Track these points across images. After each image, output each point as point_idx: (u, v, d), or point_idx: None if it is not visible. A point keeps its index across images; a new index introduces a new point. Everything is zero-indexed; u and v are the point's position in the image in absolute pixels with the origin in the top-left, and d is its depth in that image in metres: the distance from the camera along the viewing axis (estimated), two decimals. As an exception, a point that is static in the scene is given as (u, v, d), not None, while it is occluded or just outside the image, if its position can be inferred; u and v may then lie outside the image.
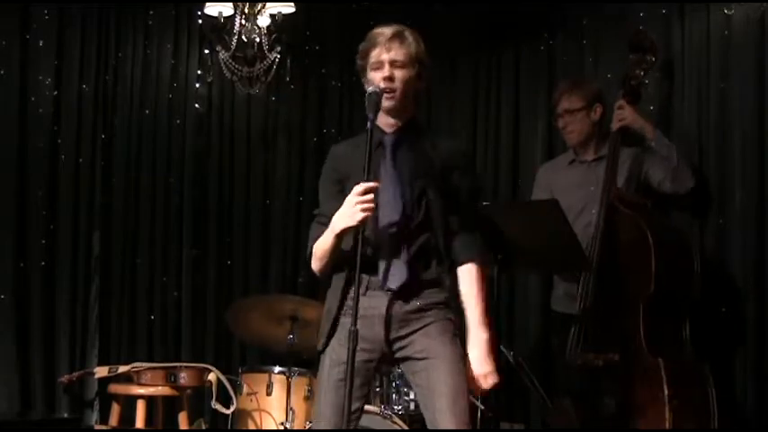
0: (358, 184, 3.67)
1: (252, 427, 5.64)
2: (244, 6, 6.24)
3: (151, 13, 6.78)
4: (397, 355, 3.84)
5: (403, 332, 3.79)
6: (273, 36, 6.27)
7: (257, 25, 6.26)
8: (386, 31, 3.85)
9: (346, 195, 3.70)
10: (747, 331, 5.22)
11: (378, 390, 5.44)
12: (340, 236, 3.71)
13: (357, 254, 3.61)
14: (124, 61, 6.70)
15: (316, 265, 3.86)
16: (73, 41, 6.55)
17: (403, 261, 3.76)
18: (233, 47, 6.24)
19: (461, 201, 3.88)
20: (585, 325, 5.05)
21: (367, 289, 3.77)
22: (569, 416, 5.13)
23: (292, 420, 5.45)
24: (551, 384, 5.51)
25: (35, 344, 6.33)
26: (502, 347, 5.31)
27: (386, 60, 3.80)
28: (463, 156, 4.01)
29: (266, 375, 5.65)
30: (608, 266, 5.01)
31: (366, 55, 3.85)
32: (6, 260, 6.29)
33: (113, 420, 5.84)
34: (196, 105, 6.86)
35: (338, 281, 3.84)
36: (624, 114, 5.31)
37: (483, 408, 5.28)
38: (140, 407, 5.68)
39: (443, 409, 3.74)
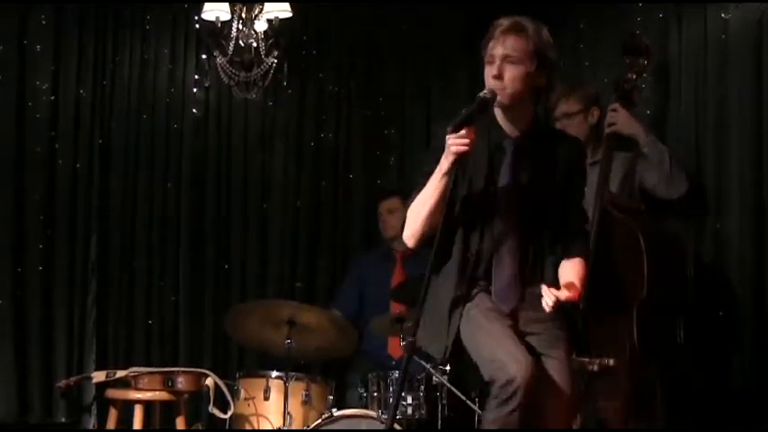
0: (473, 182, 3.64)
1: (249, 432, 5.65)
2: (241, 11, 6.25)
3: (148, 17, 6.78)
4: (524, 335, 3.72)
5: (529, 329, 3.71)
6: (270, 41, 6.27)
7: (254, 30, 6.26)
8: (504, 22, 3.64)
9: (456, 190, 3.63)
10: (744, 335, 5.22)
11: (375, 395, 5.45)
12: (447, 174, 3.53)
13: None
14: (121, 66, 6.71)
15: (409, 229, 3.71)
16: (70, 46, 6.55)
17: (516, 284, 3.68)
18: (230, 51, 6.24)
19: (576, 200, 3.82)
20: (580, 329, 5.04)
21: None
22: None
23: (290, 425, 5.45)
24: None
25: (33, 348, 6.33)
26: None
27: (497, 55, 3.59)
28: (582, 156, 3.89)
29: (264, 380, 5.65)
30: (601, 271, 5.00)
31: (485, 47, 3.66)
32: (4, 265, 6.30)
33: (111, 425, 5.82)
34: (193, 110, 6.86)
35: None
36: (615, 118, 5.30)
37: (480, 412, 5.29)
38: (138, 412, 5.66)
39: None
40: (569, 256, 3.75)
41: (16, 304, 6.30)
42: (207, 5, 6.21)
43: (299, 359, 5.75)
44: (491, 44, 3.62)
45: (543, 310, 3.61)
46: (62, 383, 6.05)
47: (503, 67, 3.59)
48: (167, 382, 5.65)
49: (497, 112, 3.71)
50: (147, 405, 5.73)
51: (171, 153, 6.81)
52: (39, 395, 6.32)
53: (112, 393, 5.78)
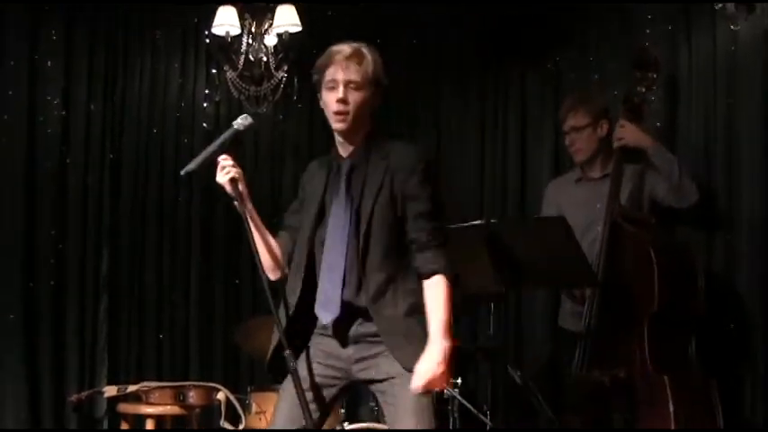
0: (310, 207, 3.79)
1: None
2: (251, 26, 6.28)
3: (158, 32, 6.80)
4: (360, 375, 3.72)
5: (367, 353, 3.68)
6: (280, 55, 6.31)
7: (264, 44, 6.30)
8: (344, 48, 3.71)
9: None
10: (755, 348, 5.21)
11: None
12: (239, 203, 3.79)
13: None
14: (132, 81, 6.74)
15: (260, 265, 3.86)
16: (81, 61, 6.58)
17: (338, 293, 3.65)
18: (240, 66, 6.28)
19: (419, 213, 3.67)
20: (591, 342, 5.05)
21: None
22: (577, 433, 5.14)
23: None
24: (559, 402, 5.50)
25: (45, 363, 6.35)
26: (509, 367, 5.31)
27: (341, 80, 3.67)
28: (416, 163, 3.71)
29: (275, 394, 5.60)
30: (612, 284, 5.00)
31: (321, 72, 3.72)
32: (16, 280, 6.31)
33: (122, 439, 5.86)
34: (204, 124, 6.87)
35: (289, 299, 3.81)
36: (623, 133, 5.30)
37: (491, 424, 5.29)
38: (149, 426, 5.69)
39: (409, 425, 3.62)
40: (423, 274, 3.66)
41: (28, 319, 6.31)
42: (217, 20, 6.24)
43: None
44: (332, 69, 3.69)
45: (370, 347, 3.66)
46: (74, 397, 6.07)
47: (347, 92, 3.67)
48: (179, 397, 5.67)
49: (335, 135, 3.80)
50: (159, 419, 5.76)
51: (181, 167, 6.78)
52: (50, 409, 6.33)
53: (124, 408, 5.80)
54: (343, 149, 3.79)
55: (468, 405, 5.26)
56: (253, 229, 3.80)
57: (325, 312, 3.68)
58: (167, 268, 6.74)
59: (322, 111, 7.23)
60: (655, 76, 5.32)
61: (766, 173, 5.20)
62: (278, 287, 3.87)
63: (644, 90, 5.32)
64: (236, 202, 3.78)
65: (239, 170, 3.77)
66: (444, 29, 6.99)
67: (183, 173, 3.77)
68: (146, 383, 5.77)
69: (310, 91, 6.89)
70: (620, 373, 4.90)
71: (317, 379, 3.73)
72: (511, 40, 6.75)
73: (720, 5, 5.10)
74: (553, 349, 6.03)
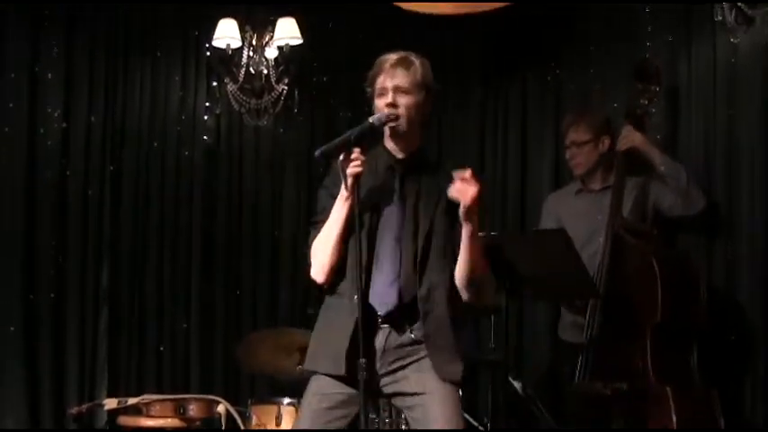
0: (368, 204, 3.74)
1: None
2: (251, 39, 6.29)
3: (159, 45, 6.80)
4: (387, 389, 3.76)
5: (395, 366, 3.73)
6: (281, 68, 6.33)
7: (265, 57, 6.32)
8: (391, 56, 3.81)
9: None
10: (756, 359, 5.20)
11: (387, 420, 5.44)
12: (349, 197, 3.68)
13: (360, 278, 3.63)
14: (132, 93, 6.73)
15: (317, 265, 3.80)
16: (81, 73, 6.57)
17: (395, 288, 3.72)
18: (241, 79, 6.29)
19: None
20: (593, 354, 5.04)
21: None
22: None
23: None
24: (561, 413, 5.50)
25: (44, 376, 6.33)
26: (511, 379, 5.30)
27: (389, 87, 3.76)
28: None
29: (275, 407, 5.65)
30: (614, 296, 5.00)
31: (373, 82, 3.81)
32: (16, 292, 6.29)
33: (122, 452, 5.83)
34: (204, 137, 6.87)
35: (336, 307, 3.80)
36: (633, 137, 5.29)
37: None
38: (149, 439, 5.67)
39: None
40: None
41: (28, 331, 6.29)
42: (217, 33, 6.25)
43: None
44: (381, 78, 3.80)
45: (399, 359, 3.71)
46: (74, 410, 6.04)
47: (396, 96, 3.76)
48: (179, 410, 5.65)
49: (386, 137, 3.86)
50: (159, 432, 5.74)
51: (182, 180, 6.82)
52: (50, 422, 6.30)
53: (124, 420, 5.77)
54: (397, 152, 3.86)
55: (469, 417, 5.25)
56: (339, 230, 3.75)
57: (380, 304, 3.72)
58: (168, 280, 6.73)
59: (322, 122, 7.30)
60: (657, 89, 5.32)
61: (766, 183, 5.21)
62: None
63: (647, 102, 5.32)
64: (341, 194, 3.74)
65: (362, 168, 3.70)
66: (451, 41, 6.99)
67: (317, 153, 3.72)
68: (146, 396, 5.74)
69: (311, 103, 7.00)
70: (622, 386, 4.89)
71: (340, 396, 3.75)
72: (512, 52, 6.75)
73: (720, 18, 5.11)
74: (553, 359, 6.03)
